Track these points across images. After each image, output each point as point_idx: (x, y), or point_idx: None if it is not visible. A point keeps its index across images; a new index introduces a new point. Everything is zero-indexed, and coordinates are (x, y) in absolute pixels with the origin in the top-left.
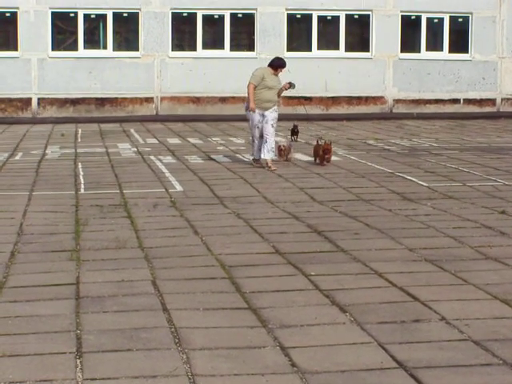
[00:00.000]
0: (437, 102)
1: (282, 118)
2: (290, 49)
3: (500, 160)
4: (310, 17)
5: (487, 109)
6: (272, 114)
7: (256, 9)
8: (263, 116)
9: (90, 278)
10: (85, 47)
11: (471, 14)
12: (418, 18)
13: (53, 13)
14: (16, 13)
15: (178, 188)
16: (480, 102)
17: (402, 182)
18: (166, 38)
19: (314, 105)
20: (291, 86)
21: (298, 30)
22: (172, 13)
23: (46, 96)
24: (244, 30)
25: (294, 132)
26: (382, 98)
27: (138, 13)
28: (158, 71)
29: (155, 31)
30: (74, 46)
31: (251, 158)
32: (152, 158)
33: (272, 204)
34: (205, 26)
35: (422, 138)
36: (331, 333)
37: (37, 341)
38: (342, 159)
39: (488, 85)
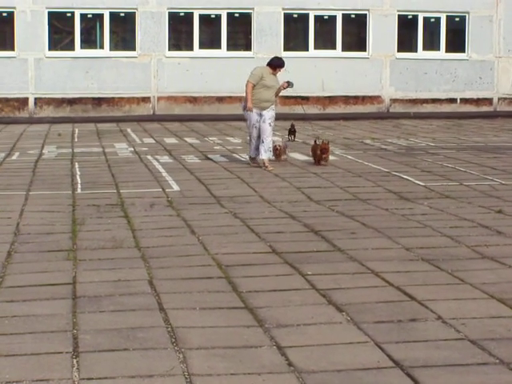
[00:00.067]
0: (434, 101)
1: (279, 117)
2: (286, 48)
3: (497, 159)
4: (306, 16)
5: (484, 108)
6: (269, 113)
7: (253, 8)
8: (261, 115)
9: (87, 278)
10: (81, 47)
11: (468, 13)
12: (415, 18)
13: (49, 12)
14: (13, 12)
15: (175, 188)
16: (477, 101)
17: (399, 182)
18: (163, 38)
19: (311, 104)
20: (289, 85)
21: (295, 30)
22: (169, 12)
23: (43, 96)
24: (241, 30)
25: (291, 132)
26: (378, 97)
27: (134, 12)
28: (154, 71)
29: (152, 31)
30: (70, 46)
31: (248, 156)
32: (149, 157)
33: (269, 203)
34: (201, 26)
35: (419, 138)
36: (328, 332)
37: (33, 340)
38: (339, 159)
39: (485, 84)
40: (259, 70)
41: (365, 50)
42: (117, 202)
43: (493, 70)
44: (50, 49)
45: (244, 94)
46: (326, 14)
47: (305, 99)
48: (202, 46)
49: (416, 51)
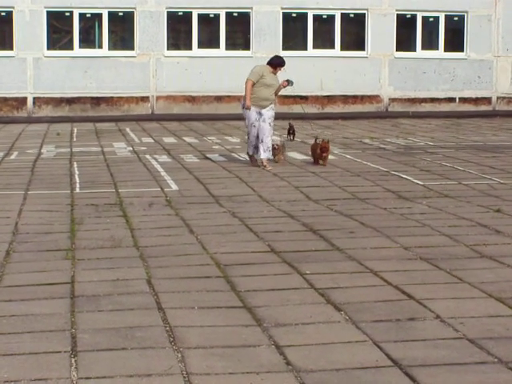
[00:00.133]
0: (432, 100)
1: (277, 116)
2: (285, 48)
3: (495, 158)
4: (305, 16)
5: (483, 107)
6: (269, 113)
7: (251, 8)
8: (260, 114)
9: (85, 277)
10: (80, 46)
11: (467, 12)
12: (414, 17)
13: (48, 12)
14: (11, 12)
15: (174, 187)
16: (475, 100)
17: (398, 181)
18: (162, 37)
19: (310, 104)
20: (289, 83)
21: (294, 29)
22: (167, 12)
23: (42, 95)
24: (239, 29)
25: (290, 132)
26: (377, 96)
27: (133, 12)
28: (153, 70)
29: (151, 30)
30: (69, 46)
31: (246, 154)
32: (147, 157)
33: (267, 203)
34: (200, 25)
35: (418, 137)
36: (326, 331)
37: (32, 340)
38: (338, 158)
39: (483, 83)
40: (259, 68)
41: (363, 50)
42: (115, 202)
43: (491, 70)
44: (48, 48)
45: (243, 93)
46: (325, 13)
47: (303, 98)
48: (201, 45)
49: (415, 50)
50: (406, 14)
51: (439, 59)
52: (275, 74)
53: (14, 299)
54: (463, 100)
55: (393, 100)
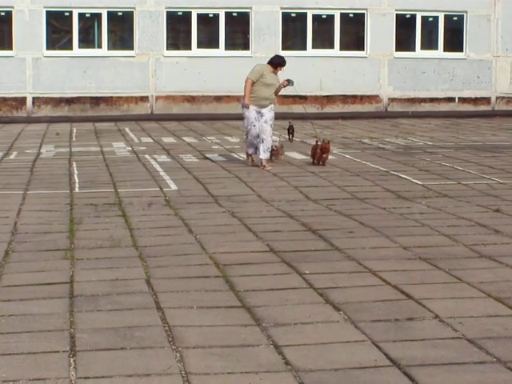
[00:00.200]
0: (432, 100)
1: (277, 116)
2: (284, 47)
3: (495, 158)
4: (304, 15)
5: (482, 107)
6: (270, 114)
7: (251, 7)
8: (260, 114)
9: (84, 277)
10: (79, 46)
11: (466, 12)
12: (413, 17)
13: (47, 12)
14: (11, 12)
15: (173, 187)
16: (475, 100)
17: (397, 181)
18: (161, 37)
19: (309, 104)
20: (289, 83)
21: (293, 29)
22: (167, 12)
23: (41, 95)
24: (239, 29)
25: (290, 131)
26: (376, 96)
27: (132, 12)
28: (152, 70)
29: (150, 30)
30: (68, 45)
31: (246, 154)
32: (147, 156)
33: (266, 203)
34: (200, 25)
35: (417, 137)
36: (325, 331)
37: (30, 339)
38: (337, 158)
39: (483, 83)
40: (260, 67)
41: (363, 50)
42: (114, 202)
43: (491, 69)
44: (47, 48)
45: (243, 92)
46: (324, 13)
47: (303, 98)
48: (200, 45)
49: (414, 50)
50: (405, 14)
51: (438, 59)
52: (276, 73)
53: (13, 299)
54: (462, 100)
55: (392, 100)
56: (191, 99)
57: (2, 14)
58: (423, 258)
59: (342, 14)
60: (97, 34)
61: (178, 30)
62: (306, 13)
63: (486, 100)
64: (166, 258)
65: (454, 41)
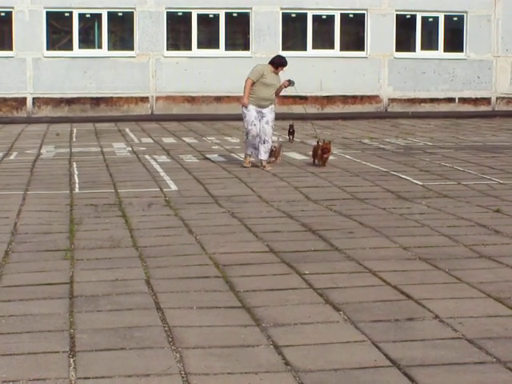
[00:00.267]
0: (432, 100)
1: (277, 117)
2: (284, 48)
3: (495, 159)
4: (304, 16)
5: (482, 108)
6: (271, 115)
7: (251, 8)
8: (261, 114)
9: (84, 277)
10: (80, 47)
11: (466, 12)
12: (413, 17)
13: (47, 12)
14: (11, 12)
15: (173, 187)
16: (475, 100)
17: (397, 181)
18: (161, 38)
19: (309, 104)
20: (290, 83)
21: (293, 29)
22: (167, 12)
23: (41, 96)
24: (239, 30)
25: (290, 132)
26: (377, 97)
27: (132, 12)
28: (153, 71)
29: (150, 31)
30: (68, 46)
31: (246, 154)
32: (147, 157)
33: (266, 203)
34: (200, 26)
35: (417, 137)
36: (325, 331)
37: (30, 340)
38: (337, 158)
39: (483, 84)
40: (260, 67)
41: (363, 50)
42: (114, 202)
43: (491, 70)
44: (48, 48)
45: (242, 93)
46: (324, 13)
47: (303, 99)
48: (200, 45)
49: (414, 51)
50: (405, 15)
51: (439, 59)
52: (277, 73)
53: (13, 299)
54: (463, 100)
55: (392, 100)
56: (191, 100)
57: (2, 14)
58: (423, 259)
59: (342, 14)
60: (97, 34)
61: (178, 30)
62: (306, 13)
63: (487, 100)
64: (165, 258)
65: (455, 41)
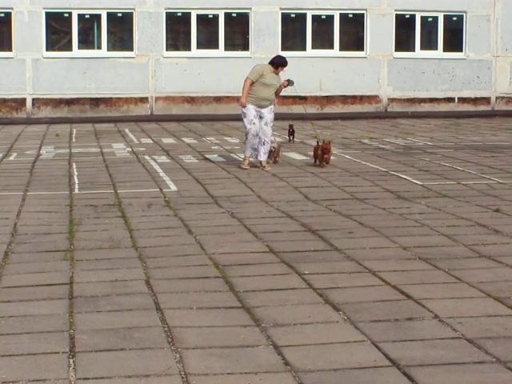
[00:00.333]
0: (431, 100)
1: (277, 117)
2: (284, 48)
3: (494, 158)
4: (304, 16)
5: (482, 107)
6: (270, 115)
7: (250, 8)
8: (261, 116)
9: (84, 278)
10: (79, 47)
11: (465, 12)
12: (413, 17)
13: (47, 13)
14: (10, 13)
15: (173, 188)
16: (474, 100)
17: (397, 181)
18: (161, 38)
19: (309, 104)
20: (290, 83)
21: (293, 30)
22: (166, 13)
23: (41, 96)
24: (238, 30)
25: (290, 132)
26: (376, 96)
27: (132, 13)
28: (152, 71)
29: (149, 31)
30: (68, 47)
31: (245, 157)
32: (146, 157)
33: (266, 203)
34: (199, 26)
35: (417, 137)
36: (324, 331)
37: (30, 340)
38: (337, 158)
39: (482, 83)
40: (260, 67)
41: (362, 50)
42: (114, 202)
43: (490, 69)
44: (47, 49)
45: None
46: (324, 13)
47: (303, 99)
48: (200, 46)
49: (414, 50)
50: (404, 14)
51: (438, 59)
52: (277, 73)
53: (13, 300)
54: (462, 100)
55: (392, 100)
56: (191, 100)
57: (2, 15)
58: (423, 258)
59: (341, 14)
60: (96, 35)
61: (177, 30)
62: (306, 13)
63: (486, 100)
64: (165, 258)
65: (454, 41)
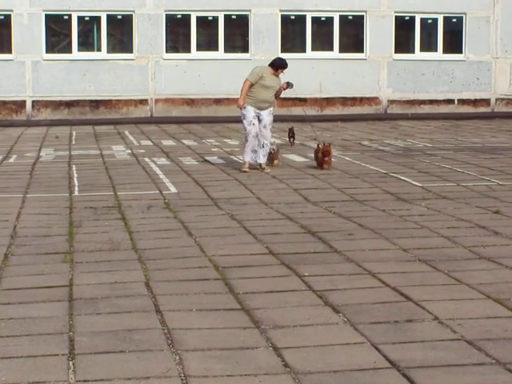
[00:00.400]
0: (431, 102)
1: (276, 119)
2: (284, 50)
3: (494, 160)
4: (304, 18)
5: (481, 109)
6: (269, 118)
7: (250, 10)
8: (260, 119)
9: (84, 280)
10: (79, 50)
11: (465, 14)
12: (412, 19)
13: (46, 15)
14: (10, 15)
15: (172, 190)
16: (474, 102)
17: (396, 183)
18: (160, 40)
19: (309, 106)
20: (289, 85)
21: (292, 31)
22: (166, 15)
23: (41, 98)
24: (238, 32)
25: (290, 135)
26: (376, 98)
27: (131, 15)
28: (152, 73)
29: (149, 33)
30: (68, 49)
31: (245, 161)
32: (146, 159)
33: (266, 205)
34: (199, 28)
35: (417, 139)
36: (324, 333)
37: (30, 343)
38: (337, 160)
39: (482, 85)
40: (259, 69)
41: (362, 52)
42: (114, 205)
43: (490, 71)
44: (47, 51)
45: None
46: (324, 15)
47: (302, 101)
48: (200, 48)
49: (413, 52)
50: (404, 16)
51: (438, 61)
52: (277, 75)
53: (13, 302)
54: (462, 102)
55: (392, 102)
56: (191, 102)
57: (1, 17)
58: (423, 260)
59: (341, 16)
60: (96, 37)
61: (177, 32)
62: (306, 15)
63: (486, 102)
64: (165, 260)
65: (454, 42)
